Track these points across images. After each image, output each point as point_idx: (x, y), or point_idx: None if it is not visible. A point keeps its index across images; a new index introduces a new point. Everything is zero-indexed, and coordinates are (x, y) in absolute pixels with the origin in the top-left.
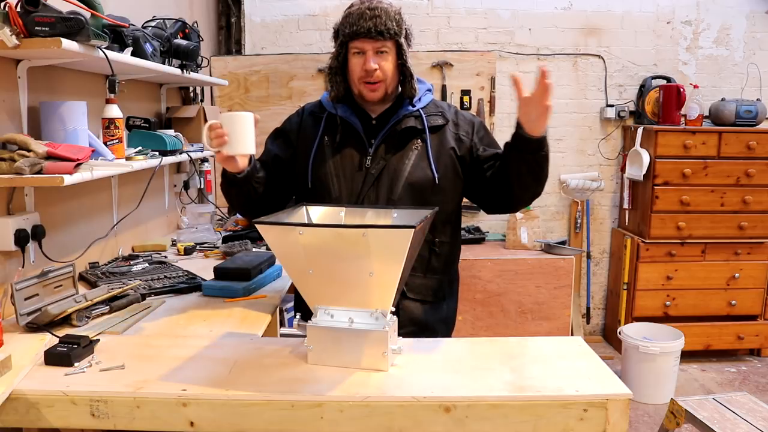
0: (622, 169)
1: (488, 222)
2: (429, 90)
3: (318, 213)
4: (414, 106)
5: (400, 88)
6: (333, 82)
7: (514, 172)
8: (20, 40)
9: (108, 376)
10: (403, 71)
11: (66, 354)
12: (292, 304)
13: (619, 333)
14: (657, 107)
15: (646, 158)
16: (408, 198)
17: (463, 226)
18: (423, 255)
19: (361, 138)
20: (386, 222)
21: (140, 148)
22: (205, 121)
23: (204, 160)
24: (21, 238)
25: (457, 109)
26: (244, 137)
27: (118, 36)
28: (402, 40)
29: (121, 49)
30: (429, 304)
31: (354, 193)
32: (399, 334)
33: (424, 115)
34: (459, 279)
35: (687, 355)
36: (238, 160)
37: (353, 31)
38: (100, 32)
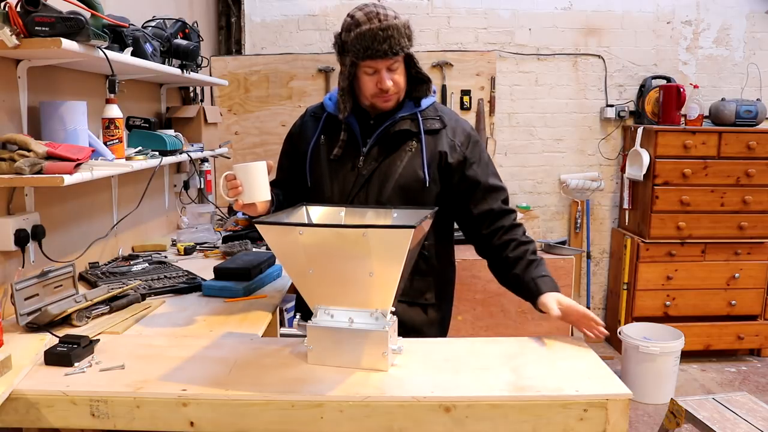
0: (622, 169)
1: None
2: (434, 91)
3: (318, 213)
4: (417, 106)
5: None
6: (344, 101)
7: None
8: (20, 40)
9: (108, 376)
10: (418, 77)
11: (66, 354)
12: (291, 304)
13: (619, 333)
14: (657, 107)
15: (646, 158)
16: (397, 199)
17: None
18: None
19: (357, 139)
20: (386, 222)
21: (140, 148)
22: (205, 121)
23: (204, 160)
24: (21, 238)
25: (458, 117)
26: (258, 186)
27: (118, 36)
28: (412, 50)
29: (121, 49)
30: (417, 306)
31: (345, 193)
32: None
33: (420, 118)
34: (454, 282)
35: (687, 355)
36: (257, 204)
37: (368, 54)
38: (100, 32)
